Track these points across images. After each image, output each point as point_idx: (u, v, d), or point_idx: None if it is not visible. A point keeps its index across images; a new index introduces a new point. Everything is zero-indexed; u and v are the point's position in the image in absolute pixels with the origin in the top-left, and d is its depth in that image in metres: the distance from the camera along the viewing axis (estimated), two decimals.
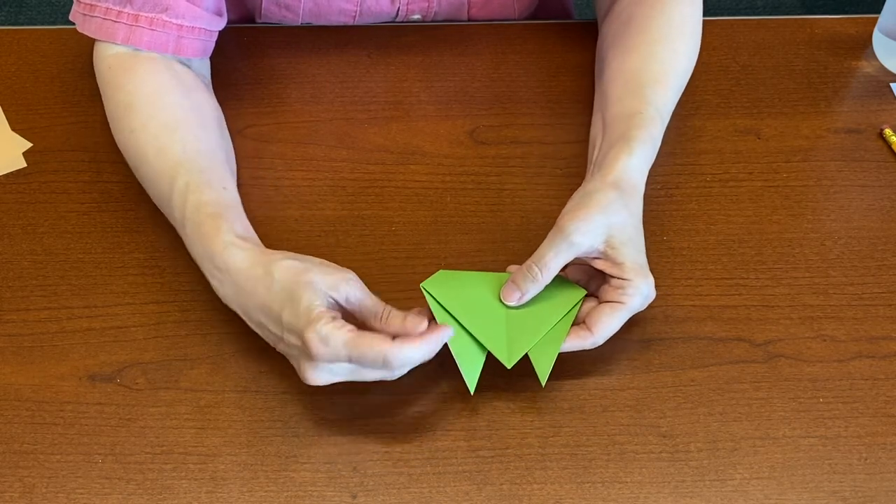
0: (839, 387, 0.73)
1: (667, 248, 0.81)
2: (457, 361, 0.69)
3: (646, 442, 0.70)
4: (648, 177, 0.78)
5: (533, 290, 0.71)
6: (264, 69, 0.93)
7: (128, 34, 0.81)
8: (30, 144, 0.87)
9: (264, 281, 0.68)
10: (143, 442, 0.70)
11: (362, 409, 0.71)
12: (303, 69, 0.93)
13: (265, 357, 0.72)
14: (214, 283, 0.71)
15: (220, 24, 0.86)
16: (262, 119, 0.89)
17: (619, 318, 0.71)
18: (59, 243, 0.80)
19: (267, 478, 0.68)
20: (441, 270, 0.73)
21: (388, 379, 0.67)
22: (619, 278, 0.71)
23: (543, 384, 0.69)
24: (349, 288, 0.68)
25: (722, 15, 1.01)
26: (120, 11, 0.81)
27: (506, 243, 0.81)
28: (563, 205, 0.74)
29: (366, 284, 0.69)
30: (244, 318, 0.71)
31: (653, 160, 0.79)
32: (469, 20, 0.99)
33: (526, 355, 0.70)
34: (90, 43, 0.85)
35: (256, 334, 0.71)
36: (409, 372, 0.67)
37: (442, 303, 0.71)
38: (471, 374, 0.69)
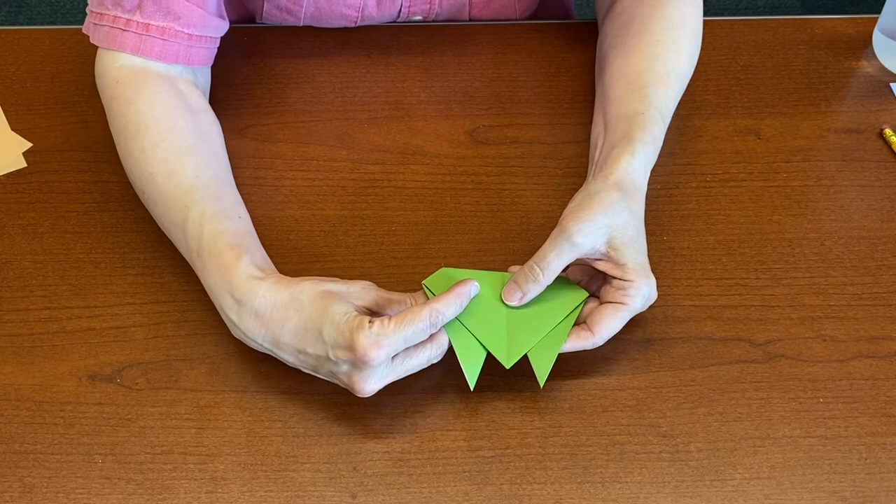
0: (839, 387, 0.73)
1: (667, 248, 0.81)
2: (458, 356, 0.69)
3: (646, 442, 0.70)
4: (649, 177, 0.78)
5: (534, 290, 0.71)
6: (264, 69, 0.93)
7: (137, 44, 0.79)
8: (30, 144, 0.87)
9: (294, 305, 0.67)
10: (143, 442, 0.70)
11: (362, 409, 0.71)
12: (303, 69, 0.93)
13: (265, 357, 0.72)
14: (232, 316, 0.69)
15: (224, 28, 0.85)
16: (262, 119, 0.89)
17: (621, 318, 0.71)
18: (59, 243, 0.80)
19: (267, 478, 0.68)
20: (443, 268, 0.73)
21: (435, 359, 0.68)
22: (620, 279, 0.71)
23: (542, 385, 0.70)
24: (373, 293, 0.69)
25: (722, 15, 1.01)
26: (129, 20, 0.79)
27: (506, 243, 0.81)
28: (563, 205, 0.74)
29: None
30: (272, 350, 0.69)
31: (654, 161, 0.79)
32: (470, 20, 0.99)
33: (525, 356, 0.70)
34: (90, 43, 0.84)
35: None
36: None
37: None
38: (471, 369, 0.69)
